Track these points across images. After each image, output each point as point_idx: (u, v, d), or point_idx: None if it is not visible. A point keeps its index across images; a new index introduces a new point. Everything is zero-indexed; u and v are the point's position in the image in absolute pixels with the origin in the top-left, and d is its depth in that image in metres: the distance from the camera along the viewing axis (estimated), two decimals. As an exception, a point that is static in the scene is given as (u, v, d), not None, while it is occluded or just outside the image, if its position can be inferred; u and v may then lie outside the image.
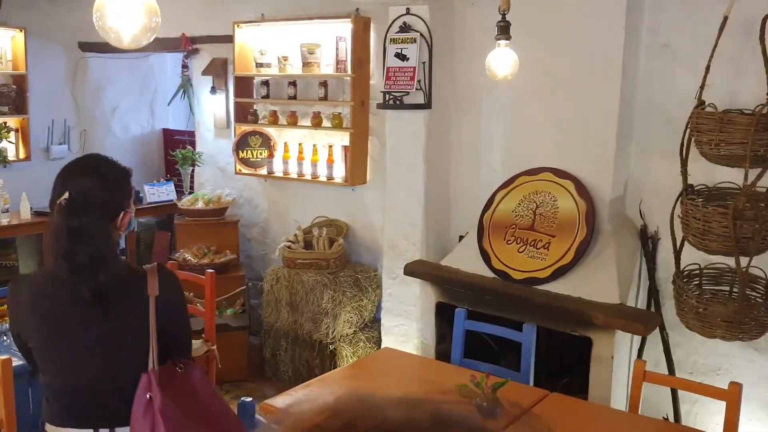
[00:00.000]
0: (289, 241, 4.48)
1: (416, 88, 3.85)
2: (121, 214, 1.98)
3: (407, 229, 4.05)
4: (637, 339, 3.46)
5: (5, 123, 5.05)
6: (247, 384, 4.51)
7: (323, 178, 4.64)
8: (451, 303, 3.71)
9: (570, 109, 3.50)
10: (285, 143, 4.87)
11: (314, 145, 4.69)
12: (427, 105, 3.86)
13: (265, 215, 5.23)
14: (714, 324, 2.91)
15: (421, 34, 3.82)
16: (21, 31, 5.59)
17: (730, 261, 2.96)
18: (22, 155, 5.76)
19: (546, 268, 3.42)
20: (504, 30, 2.45)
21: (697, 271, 3.18)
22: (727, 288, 3.14)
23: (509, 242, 3.58)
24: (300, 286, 4.26)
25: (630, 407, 2.71)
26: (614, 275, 3.26)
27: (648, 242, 3.46)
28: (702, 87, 2.95)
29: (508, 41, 2.46)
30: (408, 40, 3.86)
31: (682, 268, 3.17)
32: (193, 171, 5.57)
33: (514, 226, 3.60)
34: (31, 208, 5.15)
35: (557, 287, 3.37)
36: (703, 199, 3.09)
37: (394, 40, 3.91)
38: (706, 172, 3.17)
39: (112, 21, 1.65)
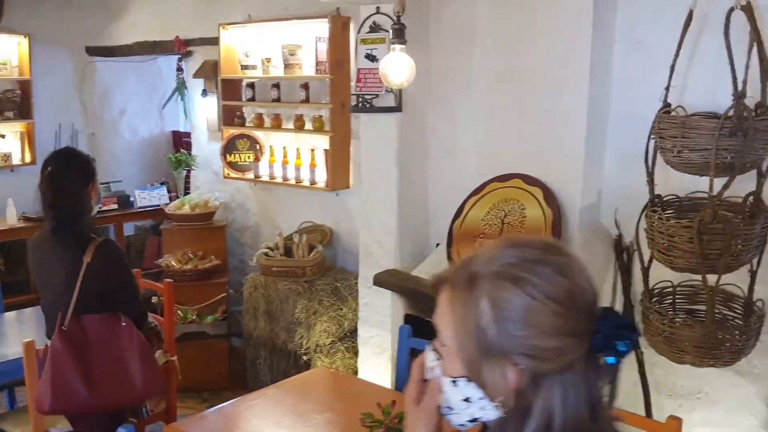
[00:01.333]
0: (269, 248, 4.37)
1: (387, 91, 3.68)
2: (91, 185, 2.80)
3: (382, 237, 3.89)
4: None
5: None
6: (226, 393, 4.41)
7: (306, 183, 4.52)
8: (419, 315, 3.54)
9: (539, 112, 3.28)
10: (270, 147, 4.76)
11: (297, 149, 4.56)
12: (397, 108, 3.68)
13: (256, 219, 5.15)
14: (682, 348, 2.66)
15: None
16: (26, 37, 5.66)
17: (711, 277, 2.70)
18: (27, 159, 5.83)
19: (511, 281, 3.21)
20: (398, 33, 2.27)
21: (670, 289, 2.92)
22: (704, 307, 2.87)
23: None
24: (275, 294, 4.14)
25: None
26: (581, 290, 3.03)
27: (623, 254, 3.21)
28: (667, 88, 2.69)
29: (403, 45, 2.27)
30: (378, 41, 3.69)
31: (652, 285, 2.92)
32: (189, 174, 5.53)
33: (482, 235, 3.40)
34: (23, 213, 5.18)
35: (523, 302, 3.16)
36: (673, 210, 2.83)
37: (364, 41, 3.75)
38: (685, 181, 2.90)
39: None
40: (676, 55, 2.66)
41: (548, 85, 3.23)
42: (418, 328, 3.56)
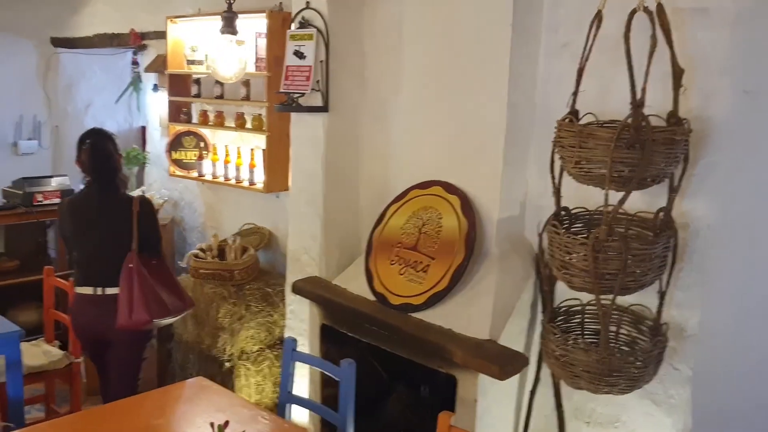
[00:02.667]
0: (201, 249, 4.23)
1: (312, 89, 3.53)
2: (119, 152, 3.54)
3: (308, 242, 3.73)
4: (530, 380, 3.04)
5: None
6: (153, 397, 4.29)
7: (246, 183, 4.37)
8: (334, 326, 3.39)
9: (460, 117, 3.11)
10: (214, 145, 4.63)
11: (238, 148, 4.43)
12: (323, 108, 3.53)
13: (203, 219, 5.01)
14: (577, 373, 2.47)
15: (318, 30, 3.50)
16: (-17, 25, 5.58)
17: (624, 297, 2.51)
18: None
19: (422, 293, 3.04)
20: (228, 22, 2.10)
21: (579, 308, 2.74)
22: (614, 328, 2.69)
23: (393, 262, 3.22)
24: (202, 297, 4.00)
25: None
26: (489, 306, 2.86)
27: (544, 270, 3.02)
28: (574, 93, 2.51)
29: (233, 35, 2.10)
30: (306, 37, 3.54)
31: (558, 303, 2.74)
32: (143, 171, 5.42)
33: (399, 244, 3.23)
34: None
35: (432, 316, 2.99)
36: (582, 224, 2.65)
37: (293, 37, 3.60)
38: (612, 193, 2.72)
39: None
40: (584, 58, 2.48)
41: (469, 90, 3.07)
42: (333, 339, 3.42)
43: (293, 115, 3.73)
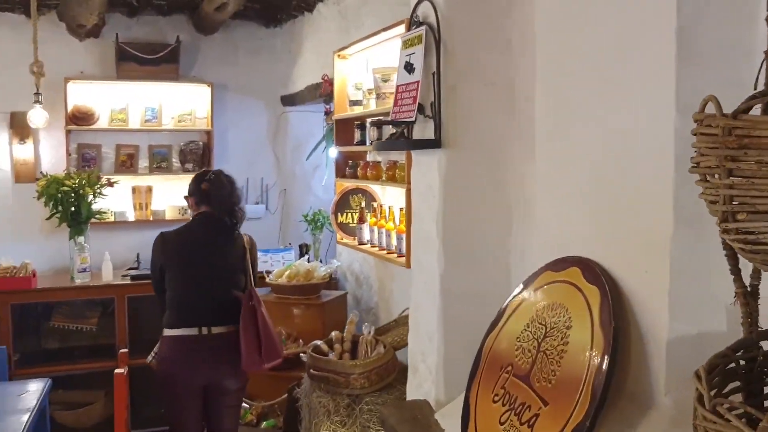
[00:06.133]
0: (328, 341, 3.21)
1: (425, 115, 2.35)
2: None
3: (425, 344, 2.50)
4: None
5: (101, 176, 4.75)
6: None
7: (394, 254, 3.28)
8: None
9: (616, 149, 1.68)
10: (380, 206, 3.63)
11: (389, 208, 3.36)
12: (434, 142, 2.31)
13: (376, 299, 4.01)
14: None
15: (429, 28, 2.33)
16: (209, 86, 5.42)
17: None
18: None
19: (518, 470, 1.62)
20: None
21: None
22: None
23: (496, 399, 1.84)
24: (308, 407, 2.97)
25: None
26: None
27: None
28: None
29: None
30: (415, 41, 2.39)
31: None
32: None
33: (510, 367, 1.84)
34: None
35: None
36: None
37: (405, 44, 2.48)
38: None
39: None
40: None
41: (632, 108, 1.63)
42: None
43: (414, 157, 2.58)
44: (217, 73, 5.56)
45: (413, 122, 2.39)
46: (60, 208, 4.12)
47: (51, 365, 4.20)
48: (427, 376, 2.47)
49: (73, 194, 4.07)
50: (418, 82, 2.35)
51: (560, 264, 1.85)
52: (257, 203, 5.83)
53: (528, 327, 1.85)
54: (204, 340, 3.01)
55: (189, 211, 3.40)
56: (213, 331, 3.01)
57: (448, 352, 2.38)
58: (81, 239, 4.14)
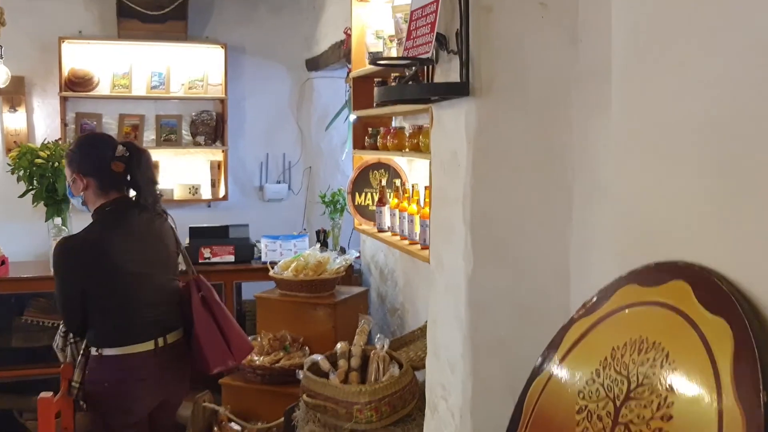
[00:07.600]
0: (330, 357, 2.53)
1: (444, 50, 1.63)
2: None
3: (446, 375, 1.79)
4: None
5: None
6: None
7: (418, 246, 2.57)
8: None
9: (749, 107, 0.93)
10: (404, 184, 2.92)
11: (414, 186, 2.65)
12: (462, 87, 1.59)
13: (401, 299, 3.31)
14: None
15: None
16: (223, 48, 4.77)
17: None
18: (221, 194, 4.91)
19: None
20: None
21: None
22: None
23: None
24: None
25: None
26: None
27: None
28: None
29: None
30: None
31: None
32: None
33: (567, 442, 1.12)
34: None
35: None
36: None
37: (422, -49, 1.76)
38: None
39: None
40: None
41: None
42: None
43: (434, 111, 1.86)
44: (233, 34, 4.90)
45: (431, 60, 1.67)
46: (35, 183, 3.53)
47: (21, 367, 3.63)
48: (449, 421, 1.76)
49: (49, 167, 3.47)
50: (437, 1, 1.63)
51: (653, 273, 1.11)
52: (278, 182, 5.17)
53: (599, 376, 1.12)
54: (161, 353, 2.41)
55: (85, 205, 2.53)
56: (169, 340, 2.45)
57: (477, 391, 1.67)
58: (59, 221, 3.55)
